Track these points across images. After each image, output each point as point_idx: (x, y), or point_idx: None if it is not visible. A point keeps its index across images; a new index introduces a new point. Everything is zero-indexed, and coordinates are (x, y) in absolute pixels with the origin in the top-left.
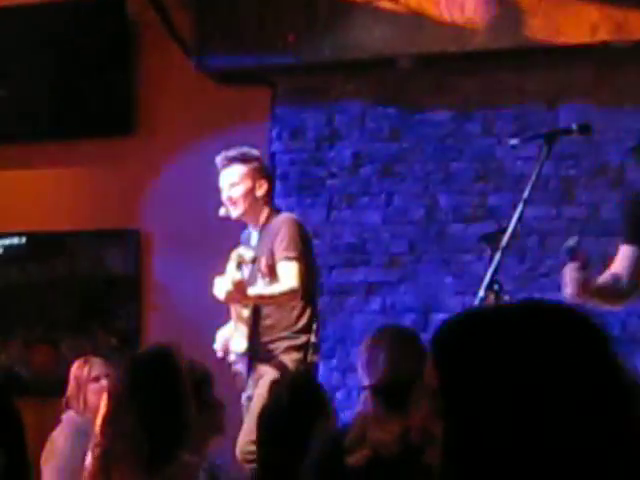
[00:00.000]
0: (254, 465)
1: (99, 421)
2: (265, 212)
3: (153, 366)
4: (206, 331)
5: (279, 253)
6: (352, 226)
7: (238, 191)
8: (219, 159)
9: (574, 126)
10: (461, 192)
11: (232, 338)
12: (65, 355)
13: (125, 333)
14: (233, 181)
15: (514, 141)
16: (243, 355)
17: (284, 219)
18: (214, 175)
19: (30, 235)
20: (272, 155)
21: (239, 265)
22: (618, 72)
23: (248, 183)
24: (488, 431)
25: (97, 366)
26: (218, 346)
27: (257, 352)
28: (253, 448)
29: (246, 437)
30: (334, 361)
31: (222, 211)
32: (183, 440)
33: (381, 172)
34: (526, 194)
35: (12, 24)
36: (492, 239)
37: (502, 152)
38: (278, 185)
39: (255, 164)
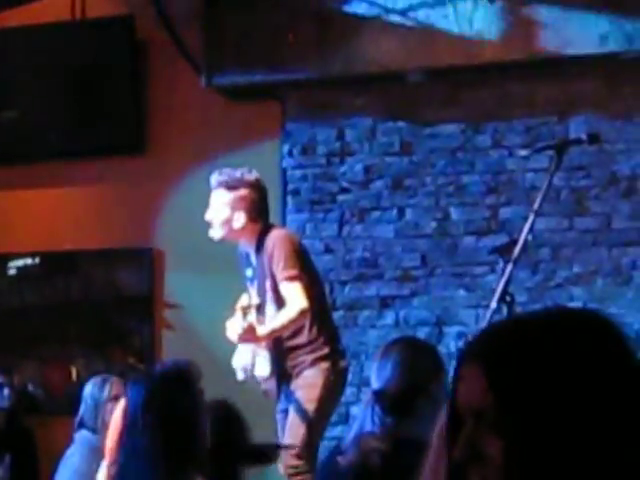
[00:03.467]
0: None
1: (114, 439)
2: (255, 233)
3: (170, 384)
4: (220, 348)
5: (279, 275)
6: (364, 240)
7: (216, 217)
8: (212, 178)
9: (584, 136)
10: (472, 205)
11: (254, 364)
12: (79, 374)
13: (140, 352)
14: (215, 206)
15: (524, 152)
16: (269, 378)
17: (275, 238)
18: None
19: (43, 255)
20: (284, 171)
21: (245, 315)
22: (628, 83)
23: (226, 213)
24: (555, 445)
25: (116, 385)
26: (241, 377)
27: (284, 371)
28: (296, 462)
29: (289, 452)
30: (349, 376)
31: (211, 231)
32: (199, 461)
33: (392, 186)
34: (536, 205)
35: (21, 44)
36: (504, 251)
37: (513, 164)
38: (290, 200)
39: (241, 192)
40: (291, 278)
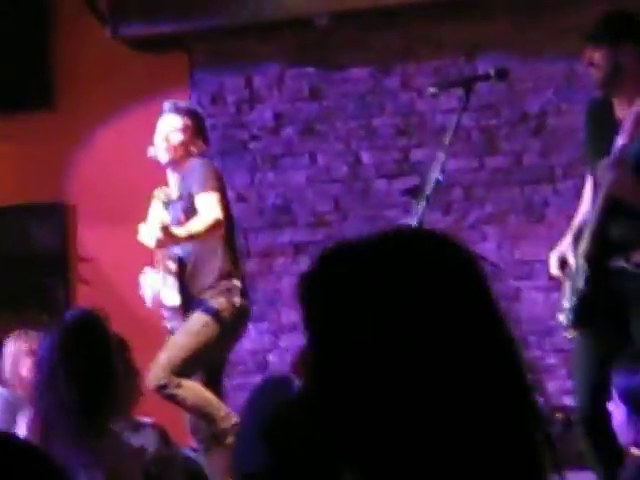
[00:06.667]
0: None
1: (31, 393)
2: (185, 158)
3: (81, 332)
4: (135, 301)
5: (196, 189)
6: (276, 187)
7: (163, 140)
8: (167, 104)
9: (491, 71)
10: (384, 148)
11: (162, 292)
12: None
13: (55, 307)
14: (162, 130)
15: (432, 89)
16: (177, 309)
17: (197, 162)
18: (135, 144)
19: None
20: None
21: (166, 204)
22: (536, 21)
23: (172, 136)
24: (352, 360)
25: (34, 340)
26: (149, 299)
27: (189, 304)
28: (161, 375)
29: (158, 365)
30: (265, 324)
31: (151, 151)
32: (115, 405)
33: (303, 132)
34: (446, 143)
35: None
36: (415, 193)
37: (423, 105)
38: None
39: (186, 118)
40: (208, 190)
